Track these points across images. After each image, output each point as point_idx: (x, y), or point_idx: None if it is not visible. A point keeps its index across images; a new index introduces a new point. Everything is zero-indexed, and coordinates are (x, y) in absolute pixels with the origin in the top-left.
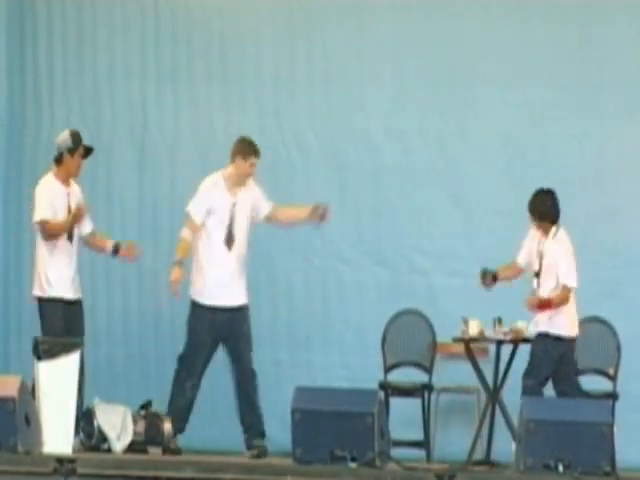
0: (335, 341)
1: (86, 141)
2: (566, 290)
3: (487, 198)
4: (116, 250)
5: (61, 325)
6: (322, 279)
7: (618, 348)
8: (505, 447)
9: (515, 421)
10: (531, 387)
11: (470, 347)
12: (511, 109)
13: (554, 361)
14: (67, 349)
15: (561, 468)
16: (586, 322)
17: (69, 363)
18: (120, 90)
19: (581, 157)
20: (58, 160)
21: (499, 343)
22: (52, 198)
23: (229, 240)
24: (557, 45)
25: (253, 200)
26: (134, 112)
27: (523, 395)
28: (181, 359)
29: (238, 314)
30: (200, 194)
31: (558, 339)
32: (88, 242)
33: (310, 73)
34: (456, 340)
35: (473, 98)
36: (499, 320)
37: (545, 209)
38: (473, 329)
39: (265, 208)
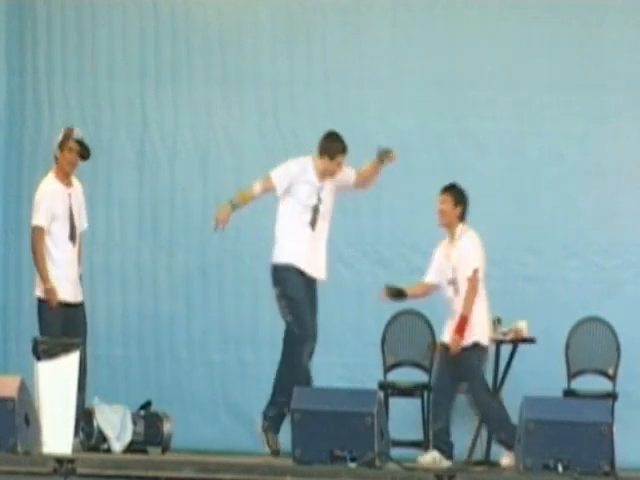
0: (334, 341)
1: (86, 141)
2: (472, 278)
3: (487, 198)
4: None
5: (58, 327)
6: None
7: (618, 348)
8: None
9: (515, 421)
10: (486, 405)
11: None
12: (511, 109)
13: (483, 367)
14: (67, 349)
15: (561, 468)
16: (586, 322)
17: (69, 363)
18: (120, 90)
19: (581, 157)
20: (55, 158)
21: (499, 343)
22: (52, 203)
23: (313, 222)
24: (557, 45)
25: (339, 181)
26: (134, 112)
27: (480, 411)
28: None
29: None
30: (287, 168)
31: (481, 347)
32: None
33: (310, 74)
34: None
35: (473, 98)
36: (499, 320)
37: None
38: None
39: (350, 179)
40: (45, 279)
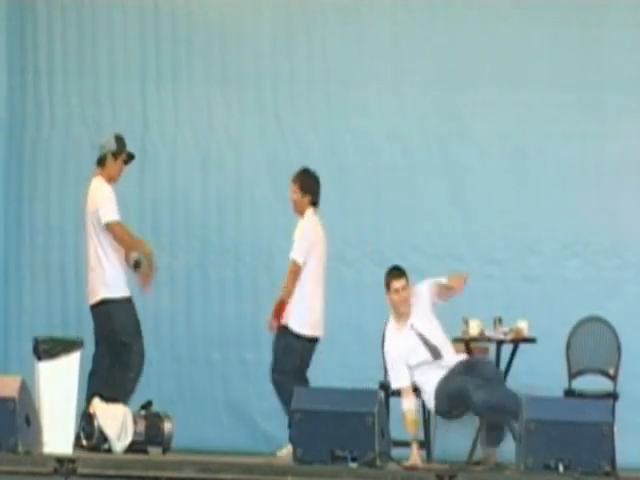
0: (335, 341)
1: (86, 141)
2: (292, 265)
3: (487, 198)
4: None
5: (135, 319)
6: None
7: (618, 348)
8: (505, 447)
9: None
10: (278, 381)
11: (470, 347)
12: (511, 109)
13: (298, 355)
14: (67, 349)
15: (561, 468)
16: (586, 322)
17: (69, 363)
18: (120, 90)
19: (581, 157)
20: (101, 162)
21: (499, 343)
22: (115, 198)
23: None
24: (557, 45)
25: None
26: (134, 112)
27: (276, 389)
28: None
29: None
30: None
31: (297, 337)
32: None
33: (310, 73)
34: (456, 340)
35: (473, 98)
36: (499, 320)
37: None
38: (473, 329)
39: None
40: (142, 246)
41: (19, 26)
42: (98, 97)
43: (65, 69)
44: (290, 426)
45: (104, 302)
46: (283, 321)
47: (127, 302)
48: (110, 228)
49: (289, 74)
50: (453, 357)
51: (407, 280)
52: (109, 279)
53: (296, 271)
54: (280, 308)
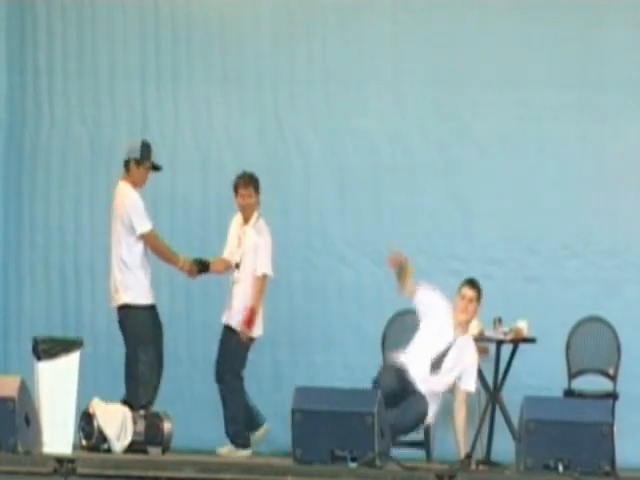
0: (335, 341)
1: (86, 141)
2: (263, 278)
3: (487, 198)
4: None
5: (151, 328)
6: (322, 279)
7: (618, 348)
8: (505, 447)
9: (515, 421)
10: (229, 382)
11: None
12: (511, 109)
13: (247, 355)
14: (67, 349)
15: (561, 468)
16: (586, 322)
17: (69, 363)
18: (120, 90)
19: (581, 157)
20: (125, 166)
21: (499, 343)
22: (143, 204)
23: None
24: (557, 45)
25: None
26: (134, 112)
27: (226, 390)
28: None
29: None
30: None
31: (250, 338)
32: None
33: (310, 73)
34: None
35: (473, 98)
36: (499, 320)
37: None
38: (473, 329)
39: None
40: (175, 261)
41: (19, 26)
42: (98, 97)
43: (65, 69)
44: (227, 424)
45: (124, 307)
46: (234, 323)
47: (145, 310)
48: (146, 239)
49: (289, 74)
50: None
51: (478, 297)
52: (132, 284)
53: (266, 284)
54: (253, 316)
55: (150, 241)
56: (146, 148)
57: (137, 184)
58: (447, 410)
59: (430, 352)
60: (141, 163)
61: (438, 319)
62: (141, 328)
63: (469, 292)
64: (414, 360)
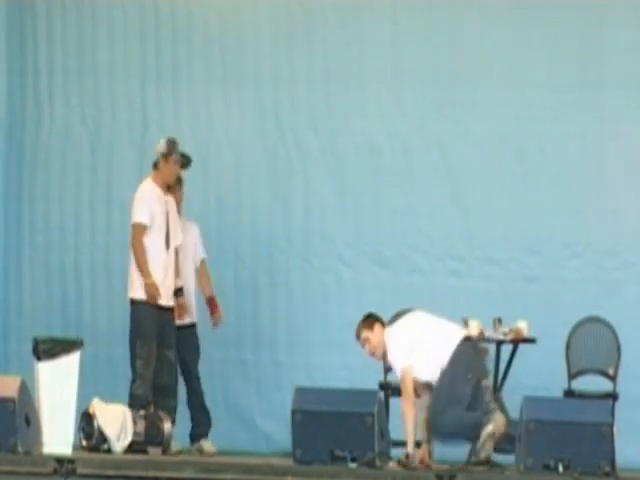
0: (335, 341)
1: (86, 141)
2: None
3: (487, 198)
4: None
5: (154, 328)
6: (322, 279)
7: (618, 348)
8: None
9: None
10: (198, 377)
11: None
12: (511, 109)
13: None
14: (67, 349)
15: (561, 468)
16: (586, 322)
17: (69, 363)
18: (120, 90)
19: (581, 157)
20: (155, 165)
21: (499, 343)
22: (150, 202)
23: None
24: (557, 45)
25: None
26: (134, 112)
27: (197, 386)
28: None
29: None
30: None
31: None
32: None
33: (310, 73)
34: None
35: (473, 98)
36: (499, 320)
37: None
38: (473, 329)
39: None
40: (146, 274)
41: (19, 26)
42: (98, 97)
43: (65, 69)
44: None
45: (130, 301)
46: (194, 319)
47: (144, 305)
48: (132, 229)
49: (289, 74)
50: None
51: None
52: (136, 279)
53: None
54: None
55: (134, 234)
56: (171, 142)
57: (167, 180)
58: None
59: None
60: (168, 156)
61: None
62: (140, 323)
63: (360, 339)
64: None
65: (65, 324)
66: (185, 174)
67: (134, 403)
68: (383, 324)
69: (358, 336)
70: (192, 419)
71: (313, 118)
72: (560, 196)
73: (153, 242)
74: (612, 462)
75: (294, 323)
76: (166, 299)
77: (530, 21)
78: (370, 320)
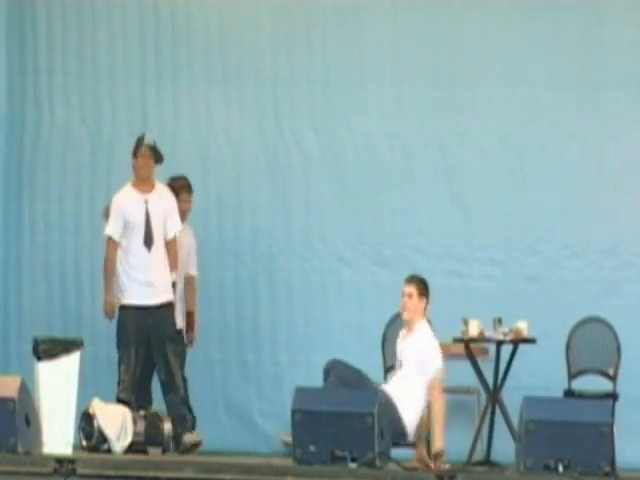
0: (335, 341)
1: (86, 141)
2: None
3: (487, 198)
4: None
5: (130, 330)
6: (322, 279)
7: (618, 348)
8: (505, 447)
9: (515, 421)
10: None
11: (470, 347)
12: (511, 109)
13: None
14: (67, 349)
15: (561, 468)
16: (586, 322)
17: (69, 363)
18: (120, 90)
19: (581, 157)
20: (133, 167)
21: (499, 344)
22: (120, 212)
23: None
24: (557, 45)
25: None
26: (134, 112)
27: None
28: None
29: None
30: None
31: None
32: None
33: (310, 73)
34: (456, 340)
35: (473, 98)
36: (499, 320)
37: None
38: (473, 329)
39: None
40: (106, 290)
41: (19, 26)
42: (98, 97)
43: (65, 69)
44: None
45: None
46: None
47: (124, 309)
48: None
49: (289, 74)
50: None
51: (420, 292)
52: (118, 285)
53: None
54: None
55: (106, 246)
56: (139, 139)
57: (141, 174)
58: (449, 411)
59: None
60: (137, 151)
61: None
62: (121, 329)
63: (407, 288)
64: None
65: (65, 324)
66: (185, 174)
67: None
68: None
69: (409, 282)
70: None
71: (313, 118)
72: (560, 196)
73: (131, 244)
74: (612, 462)
75: (294, 323)
76: (148, 298)
77: (530, 21)
78: (426, 289)
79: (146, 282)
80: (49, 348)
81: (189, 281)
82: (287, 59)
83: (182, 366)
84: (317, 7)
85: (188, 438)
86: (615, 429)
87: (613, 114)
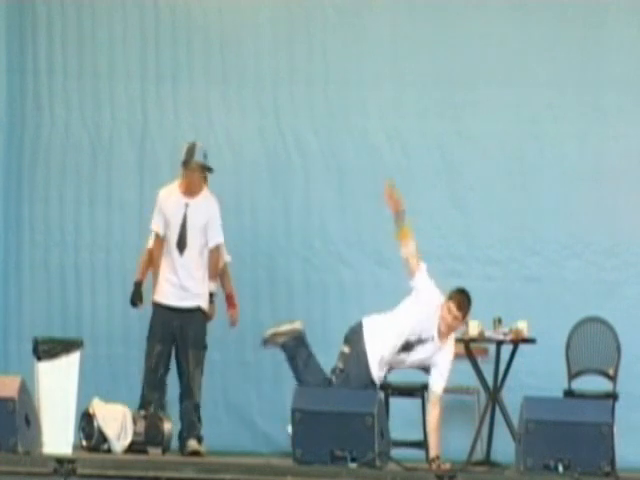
0: (335, 341)
1: (86, 141)
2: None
3: (486, 198)
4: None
5: (157, 329)
6: (322, 279)
7: (618, 348)
8: (505, 447)
9: (515, 421)
10: None
11: (470, 347)
12: (511, 109)
13: None
14: (67, 349)
15: (561, 468)
16: (586, 322)
17: (69, 363)
18: (120, 90)
19: (581, 157)
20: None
21: (499, 343)
22: (161, 206)
23: None
24: (557, 45)
25: None
26: (134, 112)
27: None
28: None
29: None
30: None
31: None
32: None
33: (310, 73)
34: (456, 340)
35: (473, 98)
36: (499, 320)
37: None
38: (473, 329)
39: None
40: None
41: (19, 26)
42: (98, 97)
43: (65, 69)
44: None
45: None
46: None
47: (154, 307)
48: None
49: (289, 74)
50: None
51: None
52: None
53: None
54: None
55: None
56: (189, 148)
57: (188, 186)
58: (446, 411)
59: (402, 333)
60: (187, 164)
61: (425, 310)
62: (150, 325)
63: (459, 312)
64: (379, 331)
65: (65, 324)
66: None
67: (140, 404)
68: None
69: (466, 312)
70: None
71: (313, 118)
72: (560, 196)
73: (169, 244)
74: (612, 462)
75: None
76: (177, 300)
77: (530, 21)
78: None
79: (177, 284)
80: (49, 348)
81: (223, 267)
82: (287, 59)
83: (201, 373)
84: (317, 7)
85: (192, 445)
86: (615, 429)
87: (613, 114)
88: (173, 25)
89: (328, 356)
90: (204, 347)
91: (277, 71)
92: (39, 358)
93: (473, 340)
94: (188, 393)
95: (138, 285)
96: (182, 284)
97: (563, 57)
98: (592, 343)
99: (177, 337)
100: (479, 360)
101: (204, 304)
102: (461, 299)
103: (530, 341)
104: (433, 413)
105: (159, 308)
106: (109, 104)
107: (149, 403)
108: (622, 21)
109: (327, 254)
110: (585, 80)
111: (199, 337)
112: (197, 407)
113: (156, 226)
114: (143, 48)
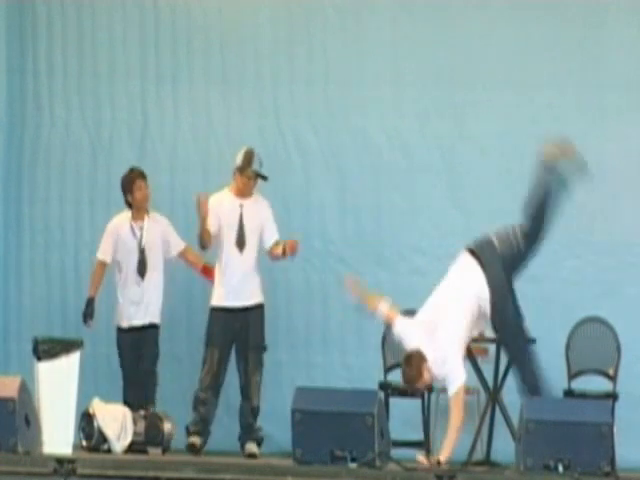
0: (335, 341)
1: (86, 141)
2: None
3: (486, 198)
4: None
5: (218, 335)
6: (322, 279)
7: (618, 348)
8: (505, 447)
9: (515, 421)
10: None
11: (470, 347)
12: (511, 109)
13: None
14: (67, 349)
15: (561, 468)
16: (586, 322)
17: (69, 363)
18: (120, 90)
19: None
20: (234, 173)
21: (499, 343)
22: (215, 212)
23: None
24: (557, 45)
25: None
26: (134, 112)
27: None
28: None
29: None
30: None
31: None
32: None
33: (310, 73)
34: None
35: (472, 98)
36: None
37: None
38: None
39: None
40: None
41: (19, 26)
42: (98, 97)
43: (65, 69)
44: None
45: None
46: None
47: (213, 311)
48: None
49: (289, 74)
50: None
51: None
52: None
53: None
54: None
55: None
56: (247, 155)
57: (240, 191)
58: (446, 411)
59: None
60: (243, 171)
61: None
62: (208, 329)
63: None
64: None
65: (65, 324)
66: (185, 174)
67: (193, 405)
68: (422, 357)
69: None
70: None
71: (313, 118)
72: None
73: (224, 245)
74: (612, 462)
75: (294, 323)
76: (239, 300)
77: (530, 21)
78: (415, 363)
79: (235, 285)
80: (49, 348)
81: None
82: (287, 59)
83: (261, 375)
84: (317, 7)
85: (249, 448)
86: (615, 429)
87: (613, 114)
88: (173, 25)
89: (328, 356)
90: (264, 348)
91: (277, 71)
92: (39, 358)
93: (473, 340)
94: (247, 395)
95: (91, 301)
96: (242, 283)
97: (563, 57)
98: (592, 343)
99: (236, 340)
100: (479, 360)
101: (262, 299)
102: (404, 371)
103: (530, 341)
104: (451, 414)
105: (218, 312)
106: (109, 104)
107: (203, 404)
108: (622, 21)
109: (327, 254)
110: (585, 80)
111: (259, 339)
112: (254, 410)
113: (210, 227)
114: (143, 48)
